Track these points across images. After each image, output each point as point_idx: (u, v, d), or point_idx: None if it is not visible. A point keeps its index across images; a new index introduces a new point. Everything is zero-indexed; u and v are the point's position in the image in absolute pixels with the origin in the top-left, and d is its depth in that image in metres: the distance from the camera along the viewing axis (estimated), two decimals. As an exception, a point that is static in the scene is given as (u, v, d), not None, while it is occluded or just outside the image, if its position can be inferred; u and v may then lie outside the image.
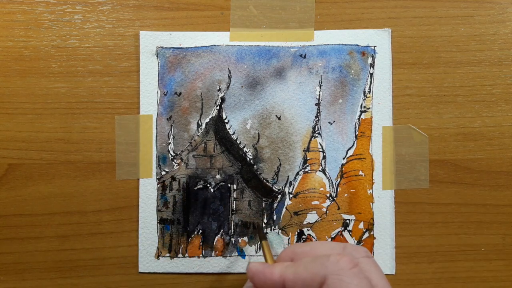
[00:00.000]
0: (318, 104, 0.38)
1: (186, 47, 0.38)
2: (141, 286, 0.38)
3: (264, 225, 0.38)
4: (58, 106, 0.38)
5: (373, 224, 0.38)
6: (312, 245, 0.30)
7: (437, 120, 0.38)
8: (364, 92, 0.38)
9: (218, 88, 0.38)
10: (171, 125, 0.38)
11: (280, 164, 0.38)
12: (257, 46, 0.38)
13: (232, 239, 0.38)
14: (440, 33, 0.38)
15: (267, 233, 0.38)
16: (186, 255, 0.38)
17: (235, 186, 0.38)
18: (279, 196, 0.38)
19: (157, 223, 0.38)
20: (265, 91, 0.38)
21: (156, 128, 0.38)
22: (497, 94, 0.38)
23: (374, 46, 0.38)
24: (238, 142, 0.38)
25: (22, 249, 0.38)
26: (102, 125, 0.38)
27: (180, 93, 0.38)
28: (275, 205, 0.38)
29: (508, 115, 0.38)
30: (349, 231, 0.38)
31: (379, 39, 0.38)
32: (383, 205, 0.38)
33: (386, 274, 0.38)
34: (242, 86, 0.38)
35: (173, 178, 0.38)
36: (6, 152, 0.38)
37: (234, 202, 0.38)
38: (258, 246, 0.38)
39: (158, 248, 0.38)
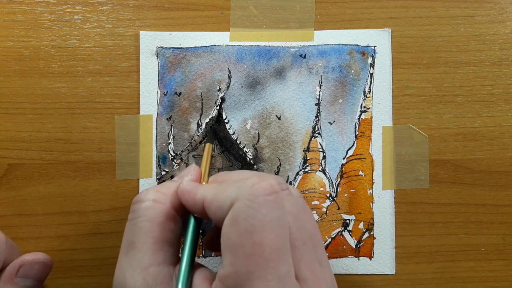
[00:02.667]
0: (318, 104, 0.38)
1: (186, 47, 0.38)
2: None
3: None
4: (58, 106, 0.38)
5: (373, 224, 0.38)
6: (232, 174, 0.28)
7: (437, 120, 0.38)
8: (364, 92, 0.38)
9: (218, 88, 0.38)
10: (171, 125, 0.38)
11: (280, 164, 0.38)
12: (257, 46, 0.38)
13: (232, 239, 0.38)
14: (440, 33, 0.38)
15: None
16: (186, 255, 0.38)
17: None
18: (279, 196, 0.38)
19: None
20: (265, 91, 0.38)
21: (156, 128, 0.38)
22: (497, 94, 0.38)
23: (374, 46, 0.38)
24: (238, 142, 0.38)
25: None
26: (102, 125, 0.38)
27: (180, 93, 0.38)
28: (275, 205, 0.38)
29: (508, 115, 0.38)
30: (349, 231, 0.38)
31: (379, 39, 0.38)
32: (383, 205, 0.38)
33: (386, 274, 0.38)
34: (242, 86, 0.38)
35: (173, 178, 0.38)
36: (6, 152, 0.38)
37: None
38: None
39: (158, 248, 0.38)
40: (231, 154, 0.38)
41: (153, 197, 0.26)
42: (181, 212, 0.27)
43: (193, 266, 0.25)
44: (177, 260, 0.26)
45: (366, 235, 0.38)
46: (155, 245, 0.25)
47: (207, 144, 0.32)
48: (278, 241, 0.22)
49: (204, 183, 0.30)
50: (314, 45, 0.38)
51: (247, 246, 0.22)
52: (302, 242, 0.24)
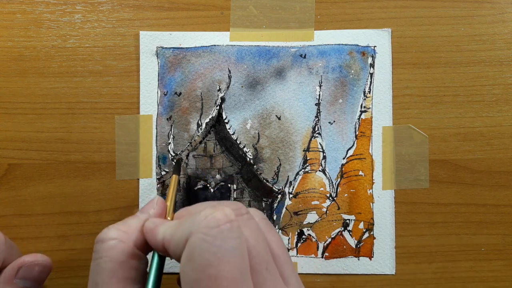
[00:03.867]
0: (318, 104, 0.38)
1: (186, 47, 0.38)
2: (141, 286, 0.38)
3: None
4: (58, 106, 0.38)
5: (373, 224, 0.38)
6: (193, 207, 0.28)
7: (437, 120, 0.38)
8: (364, 92, 0.38)
9: (218, 88, 0.38)
10: (171, 125, 0.38)
11: (280, 164, 0.38)
12: (257, 46, 0.38)
13: (232, 239, 0.38)
14: (440, 33, 0.38)
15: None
16: (186, 255, 0.38)
17: (235, 186, 0.38)
18: (279, 196, 0.38)
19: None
20: (265, 91, 0.38)
21: (156, 128, 0.38)
22: (497, 94, 0.38)
23: (374, 46, 0.38)
24: (238, 142, 0.38)
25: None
26: (102, 125, 0.38)
27: (180, 93, 0.38)
28: (275, 205, 0.38)
29: (508, 115, 0.38)
30: (349, 231, 0.38)
31: (379, 39, 0.38)
32: (383, 205, 0.38)
33: (386, 274, 0.38)
34: (242, 86, 0.38)
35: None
36: (6, 152, 0.38)
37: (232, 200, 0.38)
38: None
39: (158, 248, 0.38)
40: (231, 154, 0.38)
41: (114, 235, 0.26)
42: (145, 248, 0.27)
43: None
44: None
45: (366, 235, 0.38)
46: (118, 285, 0.24)
47: (173, 176, 0.32)
48: (235, 272, 0.22)
49: (169, 218, 0.30)
50: (314, 45, 0.38)
51: (203, 281, 0.21)
52: (264, 266, 0.24)
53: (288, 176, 0.38)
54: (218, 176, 0.38)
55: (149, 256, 0.28)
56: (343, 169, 0.38)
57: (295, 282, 0.25)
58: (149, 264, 0.27)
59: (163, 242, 0.25)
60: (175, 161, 0.37)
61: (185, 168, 0.38)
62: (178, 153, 0.38)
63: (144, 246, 0.26)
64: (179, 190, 0.38)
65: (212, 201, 0.28)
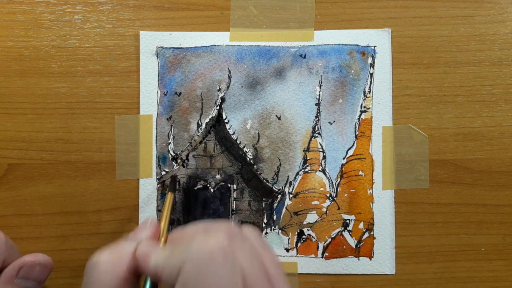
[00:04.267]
0: (318, 104, 0.38)
1: (186, 47, 0.38)
2: (140, 286, 0.38)
3: (264, 225, 0.38)
4: (58, 106, 0.38)
5: (373, 224, 0.38)
6: (182, 230, 0.27)
7: (437, 120, 0.38)
8: (364, 92, 0.38)
9: (218, 88, 0.38)
10: (171, 125, 0.38)
11: (280, 164, 0.38)
12: (257, 46, 0.38)
13: (232, 239, 0.38)
14: (440, 33, 0.38)
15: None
16: (186, 255, 0.38)
17: (235, 186, 0.38)
18: (279, 196, 0.38)
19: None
20: (265, 91, 0.38)
21: (156, 128, 0.38)
22: (497, 94, 0.38)
23: (374, 46, 0.38)
24: (238, 142, 0.38)
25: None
26: (102, 125, 0.38)
27: (180, 93, 0.38)
28: (275, 205, 0.38)
29: (508, 115, 0.38)
30: (349, 231, 0.38)
31: (379, 39, 0.38)
32: (383, 205, 0.38)
33: (386, 274, 0.38)
34: (242, 86, 0.38)
35: (173, 178, 0.38)
36: (6, 152, 0.38)
37: (234, 202, 0.38)
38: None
39: (158, 248, 0.38)
40: (231, 154, 0.38)
41: (107, 259, 0.25)
42: (138, 273, 0.26)
43: None
44: None
45: (366, 235, 0.38)
46: None
47: (169, 194, 0.32)
48: None
49: (163, 238, 0.29)
50: (314, 45, 0.38)
51: None
52: (260, 284, 0.24)
53: (288, 176, 0.38)
54: (218, 176, 0.38)
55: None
56: (343, 169, 0.38)
57: None
58: None
59: (155, 270, 0.25)
60: (170, 178, 0.36)
61: (185, 168, 0.38)
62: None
63: (137, 270, 0.26)
64: (178, 190, 0.38)
65: (205, 223, 0.27)
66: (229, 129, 0.38)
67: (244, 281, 0.23)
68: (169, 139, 0.38)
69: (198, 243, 0.23)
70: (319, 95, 0.38)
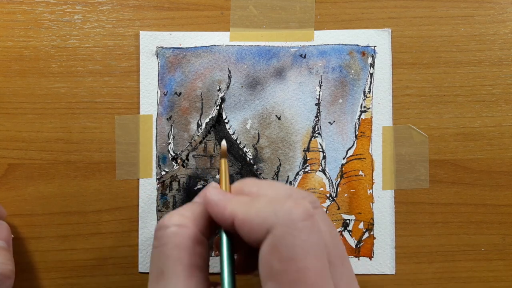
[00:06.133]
0: (318, 104, 0.38)
1: (186, 47, 0.38)
2: (141, 286, 0.38)
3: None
4: (58, 106, 0.38)
5: (373, 224, 0.38)
6: (260, 186, 0.27)
7: (437, 120, 0.38)
8: (364, 92, 0.38)
9: (218, 88, 0.38)
10: (171, 125, 0.38)
11: (280, 164, 0.38)
12: (257, 46, 0.38)
13: (232, 239, 0.38)
14: (440, 33, 0.38)
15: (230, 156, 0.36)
16: (186, 255, 0.38)
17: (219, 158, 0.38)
18: (279, 196, 0.38)
19: (157, 223, 0.38)
20: (265, 91, 0.38)
21: (156, 128, 0.38)
22: (497, 94, 0.38)
23: (374, 46, 0.38)
24: (238, 142, 0.38)
25: (22, 249, 0.37)
26: (102, 125, 0.38)
27: (180, 93, 0.38)
28: (275, 205, 0.38)
29: (508, 115, 0.38)
30: (349, 231, 0.38)
31: (379, 39, 0.38)
32: (383, 205, 0.38)
33: (386, 274, 0.38)
34: (242, 86, 0.38)
35: (173, 178, 0.38)
36: (6, 152, 0.38)
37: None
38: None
39: (158, 248, 0.38)
40: (231, 154, 0.38)
41: (177, 222, 0.25)
42: (207, 233, 0.26)
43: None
44: (209, 284, 0.25)
45: (366, 235, 0.38)
46: (185, 272, 0.24)
47: (222, 160, 0.30)
48: (320, 266, 0.22)
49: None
50: (314, 45, 0.38)
51: (291, 273, 0.22)
52: (340, 261, 0.24)
53: (288, 176, 0.38)
54: (218, 176, 0.38)
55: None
56: (343, 169, 0.38)
57: (355, 279, 0.25)
58: (221, 246, 0.25)
59: (232, 220, 0.24)
60: (221, 144, 0.34)
61: (185, 168, 0.38)
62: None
63: (207, 231, 0.26)
64: (178, 190, 0.38)
65: (283, 185, 0.27)
66: (229, 129, 0.38)
67: (326, 250, 0.23)
68: (169, 139, 0.38)
69: (289, 208, 0.23)
70: (319, 95, 0.38)
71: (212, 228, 0.26)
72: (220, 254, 0.25)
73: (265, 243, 0.23)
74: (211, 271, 0.37)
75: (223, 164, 0.29)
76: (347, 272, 0.24)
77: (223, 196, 0.25)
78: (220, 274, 0.24)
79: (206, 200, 0.25)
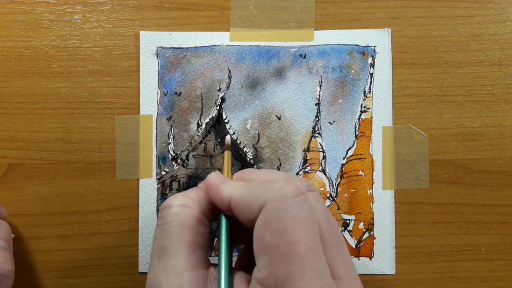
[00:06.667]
0: (318, 104, 0.38)
1: (186, 47, 0.38)
2: (141, 286, 0.38)
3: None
4: (58, 106, 0.38)
5: (373, 224, 0.38)
6: (258, 173, 0.28)
7: (437, 120, 0.38)
8: (364, 92, 0.38)
9: (218, 88, 0.38)
10: (171, 125, 0.38)
11: (280, 164, 0.38)
12: (257, 46, 0.38)
13: (232, 239, 0.38)
14: (440, 33, 0.38)
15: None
16: (186, 255, 0.38)
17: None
18: (279, 196, 0.38)
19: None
20: (265, 91, 0.38)
21: (156, 128, 0.38)
22: (497, 94, 0.38)
23: (374, 46, 0.38)
24: (238, 142, 0.38)
25: (22, 249, 0.37)
26: (102, 125, 0.38)
27: (180, 93, 0.38)
28: (275, 205, 0.38)
29: (508, 115, 0.38)
30: (349, 231, 0.38)
31: (379, 39, 0.38)
32: (383, 205, 0.38)
33: (386, 274, 0.38)
34: (242, 86, 0.38)
35: (173, 178, 0.38)
36: (6, 152, 0.38)
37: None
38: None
39: (158, 248, 0.38)
40: (231, 154, 0.38)
41: (181, 202, 0.26)
42: (209, 215, 0.27)
43: (231, 268, 0.25)
44: (209, 263, 0.26)
45: (366, 235, 0.38)
46: (187, 250, 0.25)
47: (226, 152, 0.31)
48: (312, 240, 0.23)
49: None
50: (314, 45, 0.38)
51: (282, 246, 0.22)
52: (335, 241, 0.24)
53: (288, 176, 0.38)
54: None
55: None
56: (343, 169, 0.38)
57: (352, 261, 0.26)
58: (219, 228, 0.26)
59: (229, 201, 0.25)
60: (225, 138, 0.34)
61: (185, 168, 0.38)
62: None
63: (210, 213, 0.27)
64: (179, 190, 0.38)
65: (280, 172, 0.28)
66: (229, 129, 0.38)
67: (321, 231, 0.24)
68: (169, 139, 0.38)
69: (280, 186, 0.23)
70: (319, 95, 0.38)
71: (213, 211, 0.27)
72: (218, 236, 0.26)
73: (258, 219, 0.23)
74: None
75: (226, 155, 0.30)
76: (343, 253, 0.24)
77: (223, 180, 0.26)
78: (218, 256, 0.25)
79: (207, 183, 0.27)
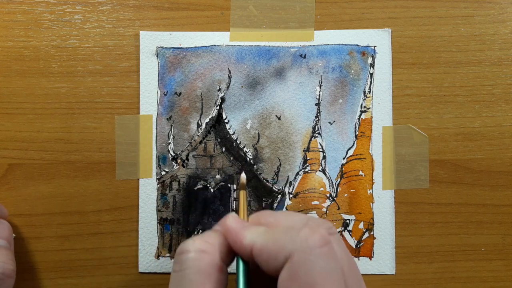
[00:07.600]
0: (318, 104, 0.38)
1: (186, 47, 0.38)
2: (141, 286, 0.38)
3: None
4: (58, 106, 0.38)
5: (373, 224, 0.38)
6: (276, 216, 0.27)
7: (437, 120, 0.38)
8: (364, 92, 0.38)
9: (218, 88, 0.38)
10: (171, 125, 0.38)
11: (280, 164, 0.38)
12: (257, 46, 0.38)
13: (232, 239, 0.38)
14: (440, 33, 0.38)
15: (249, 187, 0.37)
16: (186, 255, 0.38)
17: (235, 186, 0.38)
18: (279, 196, 0.38)
19: (157, 223, 0.38)
20: (265, 91, 0.38)
21: (156, 128, 0.38)
22: (497, 94, 0.38)
23: (374, 46, 0.38)
24: (238, 142, 0.38)
25: (22, 249, 0.37)
26: (102, 125, 0.38)
27: (180, 93, 0.38)
28: (275, 205, 0.38)
29: (508, 115, 0.38)
30: (349, 231, 0.38)
31: (379, 39, 0.38)
32: (383, 205, 0.38)
33: (386, 274, 0.38)
34: (242, 86, 0.38)
35: (173, 178, 0.38)
36: (6, 152, 0.38)
37: (234, 202, 0.38)
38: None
39: (158, 248, 0.38)
40: (231, 154, 0.38)
41: (200, 247, 0.25)
42: (227, 261, 0.26)
43: None
44: None
45: (366, 235, 0.38)
46: None
47: (241, 192, 0.31)
48: None
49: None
50: (314, 45, 0.38)
51: None
52: (357, 286, 0.24)
53: (288, 176, 0.38)
54: (218, 176, 0.38)
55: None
56: (343, 169, 0.38)
57: None
58: (237, 272, 0.26)
59: (251, 249, 0.25)
60: (240, 176, 0.33)
61: (185, 168, 0.38)
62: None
63: (228, 258, 0.26)
64: (178, 190, 0.38)
65: (299, 215, 0.28)
66: (229, 129, 0.38)
67: (343, 276, 0.24)
68: (169, 139, 0.38)
69: (307, 236, 0.23)
70: (319, 95, 0.38)
71: (231, 256, 0.26)
72: (236, 281, 0.26)
73: (284, 270, 0.23)
74: None
75: (242, 195, 0.30)
76: None
77: (242, 225, 0.26)
78: None
79: (225, 228, 0.26)
